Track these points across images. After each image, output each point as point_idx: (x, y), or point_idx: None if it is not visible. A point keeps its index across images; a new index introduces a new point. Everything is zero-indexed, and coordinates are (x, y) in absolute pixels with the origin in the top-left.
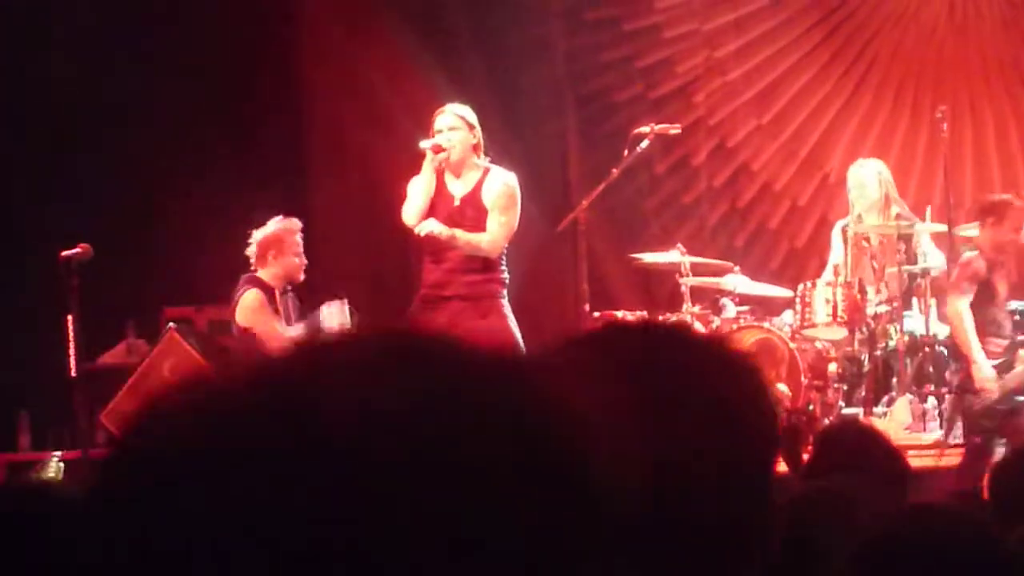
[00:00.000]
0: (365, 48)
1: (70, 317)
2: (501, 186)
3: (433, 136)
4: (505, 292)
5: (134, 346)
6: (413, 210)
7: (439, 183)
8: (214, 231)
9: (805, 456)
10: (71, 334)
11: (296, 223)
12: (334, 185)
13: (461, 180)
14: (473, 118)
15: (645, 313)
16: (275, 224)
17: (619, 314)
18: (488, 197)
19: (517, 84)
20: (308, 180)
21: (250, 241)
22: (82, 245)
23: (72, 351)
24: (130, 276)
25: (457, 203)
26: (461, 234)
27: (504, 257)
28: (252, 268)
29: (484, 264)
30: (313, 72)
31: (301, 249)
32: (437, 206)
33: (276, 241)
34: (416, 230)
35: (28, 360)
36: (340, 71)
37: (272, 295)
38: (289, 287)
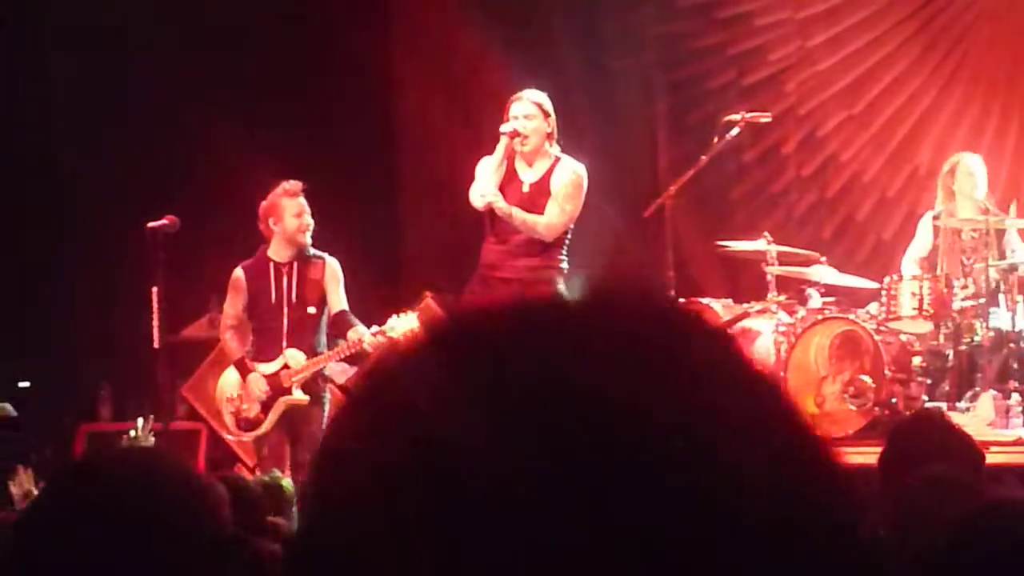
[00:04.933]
0: (455, 32)
1: (155, 289)
2: (570, 175)
3: (508, 122)
4: (561, 279)
5: (216, 319)
6: (480, 188)
7: (510, 169)
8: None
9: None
10: (156, 306)
11: (288, 184)
12: (422, 174)
13: (532, 168)
14: (549, 106)
15: (729, 301)
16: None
17: (704, 301)
18: (556, 184)
19: (609, 69)
20: (396, 167)
21: None
22: (169, 217)
23: (156, 323)
24: (215, 249)
25: (526, 190)
26: (518, 212)
27: (566, 246)
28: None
29: (543, 249)
30: (403, 60)
31: (301, 210)
32: (506, 192)
33: (272, 207)
34: (479, 196)
35: (112, 332)
36: (430, 57)
37: (264, 268)
38: (304, 252)
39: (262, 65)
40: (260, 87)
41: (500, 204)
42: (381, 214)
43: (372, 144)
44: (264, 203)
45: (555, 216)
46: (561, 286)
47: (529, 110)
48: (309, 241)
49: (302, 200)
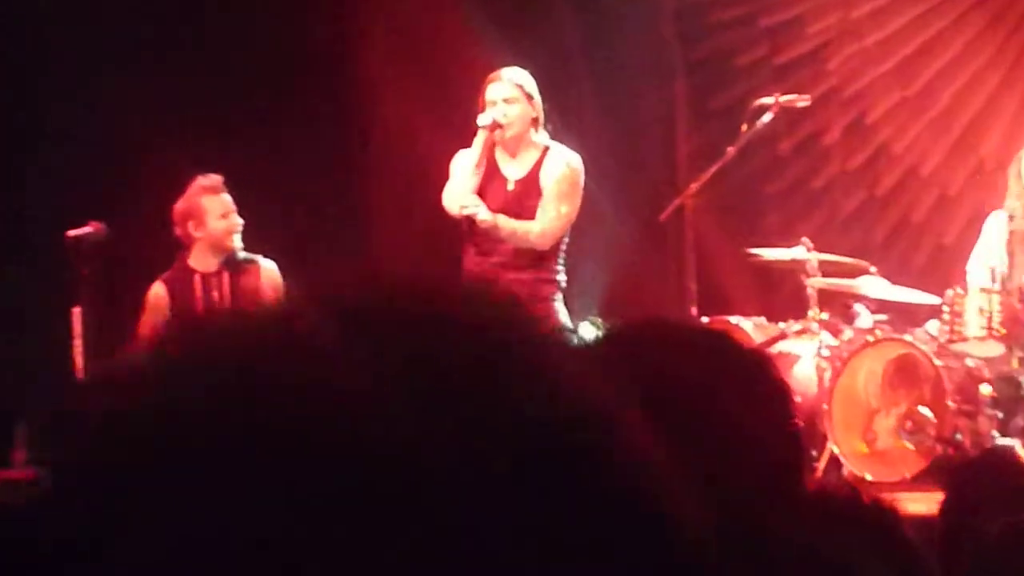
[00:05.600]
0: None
1: (77, 310)
2: (564, 168)
3: (485, 107)
4: (559, 295)
5: None
6: (456, 195)
7: (491, 164)
8: (249, 216)
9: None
10: (78, 330)
11: (205, 180)
12: (399, 165)
13: (516, 161)
14: (532, 87)
15: (762, 319)
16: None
17: (732, 319)
18: (547, 180)
19: (617, 46)
20: (369, 159)
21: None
22: (94, 223)
23: (79, 350)
24: (152, 261)
25: (511, 187)
26: (505, 221)
27: (562, 253)
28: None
29: (536, 260)
30: (378, 37)
31: (227, 209)
32: (488, 192)
33: (191, 209)
34: (457, 205)
35: (29, 361)
36: (408, 33)
37: (189, 281)
38: (234, 258)
39: (223, 56)
40: (217, 80)
41: (483, 216)
42: (353, 212)
43: (343, 135)
44: (179, 204)
45: (549, 221)
46: (559, 304)
47: (509, 92)
48: (239, 244)
49: (226, 197)
